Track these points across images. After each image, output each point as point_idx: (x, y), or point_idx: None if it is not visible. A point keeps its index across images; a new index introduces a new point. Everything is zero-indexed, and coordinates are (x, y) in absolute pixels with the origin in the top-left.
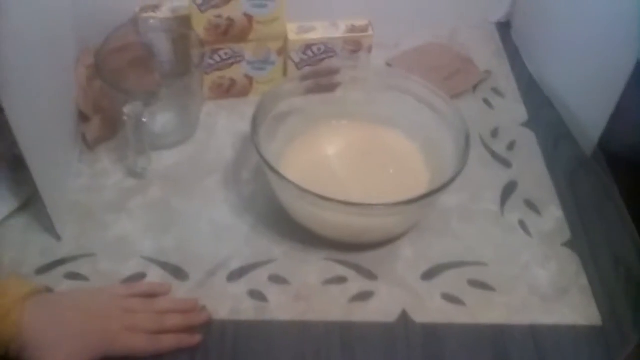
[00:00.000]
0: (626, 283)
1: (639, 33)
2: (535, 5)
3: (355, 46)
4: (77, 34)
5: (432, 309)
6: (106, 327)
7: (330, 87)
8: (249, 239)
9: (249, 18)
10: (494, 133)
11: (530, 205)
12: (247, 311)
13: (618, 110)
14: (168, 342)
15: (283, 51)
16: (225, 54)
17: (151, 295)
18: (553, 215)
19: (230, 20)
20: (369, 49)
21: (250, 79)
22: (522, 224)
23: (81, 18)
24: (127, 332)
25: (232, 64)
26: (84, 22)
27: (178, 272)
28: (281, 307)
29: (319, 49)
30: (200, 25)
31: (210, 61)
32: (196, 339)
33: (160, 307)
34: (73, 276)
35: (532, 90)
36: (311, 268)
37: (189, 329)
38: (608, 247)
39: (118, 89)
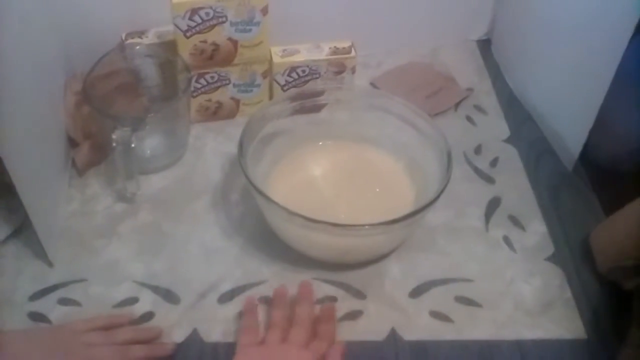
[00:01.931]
0: (609, 296)
1: (616, 49)
2: (514, 22)
3: (339, 67)
4: (64, 61)
5: (420, 326)
6: None
7: (316, 108)
8: (239, 261)
9: (234, 42)
10: (477, 150)
11: (514, 220)
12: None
13: (597, 125)
14: None
15: (268, 74)
16: (211, 77)
17: (112, 327)
18: (536, 230)
19: (216, 45)
20: (353, 70)
21: (236, 101)
22: (506, 240)
23: (68, 45)
24: None
25: (218, 87)
26: (71, 50)
27: (169, 296)
28: None
29: (303, 71)
30: (185, 50)
31: (197, 85)
32: None
33: (122, 338)
34: (66, 302)
35: (513, 107)
36: None
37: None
38: (590, 260)
39: (106, 115)
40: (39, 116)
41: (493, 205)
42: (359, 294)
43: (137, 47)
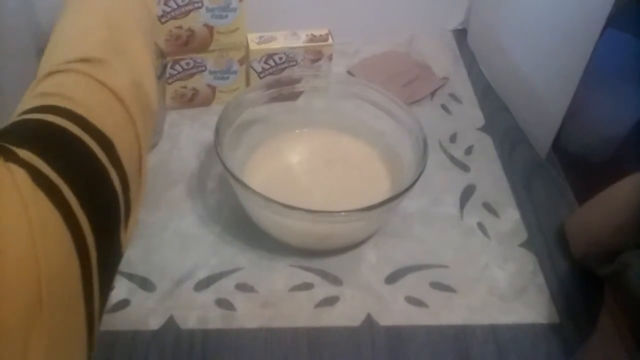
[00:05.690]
0: (582, 281)
1: (588, 41)
2: (490, 13)
3: (316, 55)
4: (38, 49)
5: (396, 311)
6: None
7: (293, 96)
8: (215, 248)
9: (210, 29)
10: (453, 138)
11: (488, 207)
12: (215, 320)
13: (570, 115)
14: None
15: (245, 61)
16: (187, 64)
17: None
18: (510, 217)
19: (191, 31)
20: (330, 58)
21: (213, 88)
22: (480, 226)
23: (42, 33)
24: None
25: (194, 74)
26: (45, 37)
27: (145, 283)
28: (248, 315)
29: (280, 58)
30: (160, 36)
31: (172, 71)
32: None
33: None
34: None
35: (488, 96)
36: (277, 275)
37: None
38: (563, 246)
39: None
40: (11, 104)
41: (468, 193)
42: (336, 280)
43: None
